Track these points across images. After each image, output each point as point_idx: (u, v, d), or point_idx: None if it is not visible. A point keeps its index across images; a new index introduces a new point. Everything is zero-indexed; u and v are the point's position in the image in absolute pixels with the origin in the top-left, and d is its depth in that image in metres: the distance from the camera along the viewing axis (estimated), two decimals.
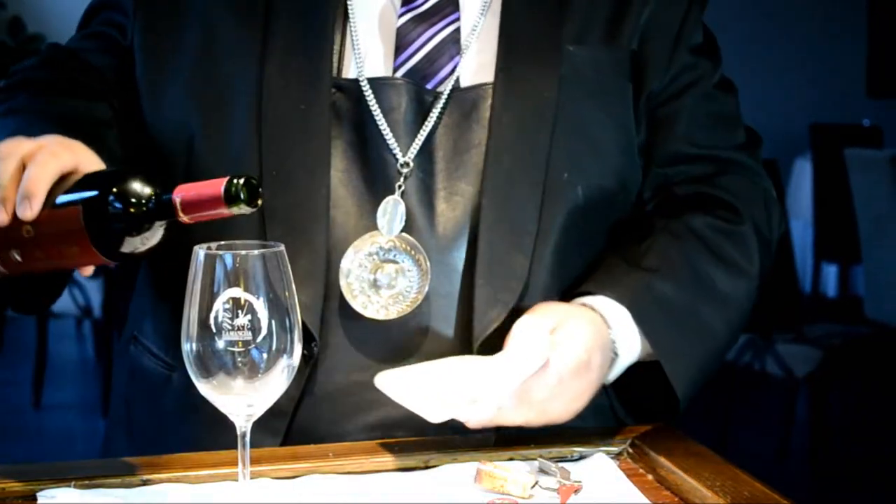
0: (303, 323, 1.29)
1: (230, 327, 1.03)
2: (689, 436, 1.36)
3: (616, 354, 1.36)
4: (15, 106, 1.37)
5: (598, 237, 1.45)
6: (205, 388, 1.06)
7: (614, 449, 1.32)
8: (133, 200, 1.12)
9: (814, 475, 4.26)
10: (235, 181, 1.07)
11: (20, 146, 1.17)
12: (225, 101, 1.36)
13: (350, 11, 1.38)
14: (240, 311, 1.03)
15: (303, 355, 1.33)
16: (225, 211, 1.08)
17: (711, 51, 1.53)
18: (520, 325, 1.29)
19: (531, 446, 1.30)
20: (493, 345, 1.35)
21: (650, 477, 1.26)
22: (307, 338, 1.31)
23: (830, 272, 6.97)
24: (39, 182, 1.14)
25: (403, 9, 1.38)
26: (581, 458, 1.30)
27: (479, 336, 1.35)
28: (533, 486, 1.18)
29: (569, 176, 1.37)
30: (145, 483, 1.19)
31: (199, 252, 1.04)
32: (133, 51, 1.43)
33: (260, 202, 1.08)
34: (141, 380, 1.48)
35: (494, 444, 1.30)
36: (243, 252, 1.04)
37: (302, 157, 1.33)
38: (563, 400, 1.29)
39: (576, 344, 1.30)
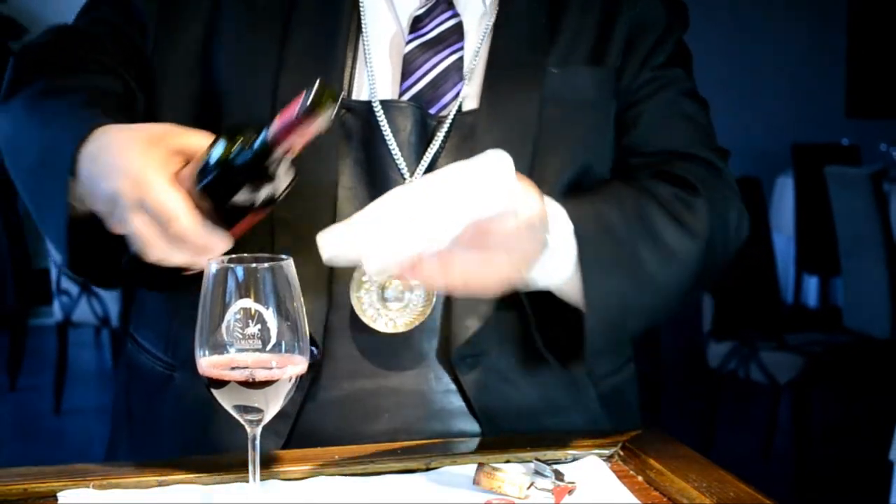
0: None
1: (241, 336, 1.04)
2: (678, 439, 1.36)
3: (546, 245, 1.25)
4: (43, 87, 1.34)
5: None
6: (217, 393, 1.06)
7: (606, 451, 1.32)
8: (248, 162, 1.11)
9: (795, 477, 4.25)
10: (316, 87, 1.08)
11: (120, 189, 1.14)
12: (238, 115, 1.36)
13: (364, 35, 1.38)
14: (250, 321, 1.03)
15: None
16: (312, 124, 1.08)
17: (684, 62, 1.49)
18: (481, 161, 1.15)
19: (527, 449, 1.29)
20: (471, 345, 1.35)
21: (640, 478, 1.26)
22: (311, 345, 1.31)
23: (811, 283, 6.98)
24: (185, 225, 1.12)
25: (411, 36, 1.38)
26: (574, 460, 1.30)
27: (458, 342, 1.35)
28: (529, 487, 1.18)
29: (549, 190, 1.31)
30: (160, 484, 1.19)
31: (212, 265, 1.04)
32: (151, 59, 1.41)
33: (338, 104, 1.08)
34: (138, 377, 1.47)
35: (492, 447, 1.30)
36: (254, 265, 1.04)
37: (311, 172, 1.33)
38: (509, 256, 1.19)
39: (534, 200, 1.20)
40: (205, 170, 1.12)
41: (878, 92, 8.32)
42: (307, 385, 1.34)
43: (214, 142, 1.13)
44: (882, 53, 8.31)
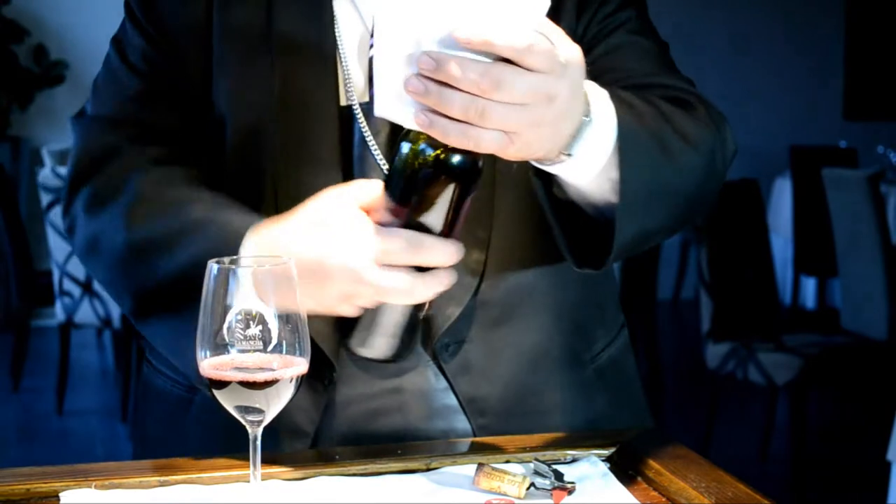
0: (321, 350, 1.29)
1: (242, 337, 1.04)
2: (676, 439, 1.36)
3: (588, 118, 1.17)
4: (142, 192, 1.34)
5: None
6: (218, 394, 1.06)
7: (605, 452, 1.32)
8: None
9: (793, 477, 4.25)
10: None
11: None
12: (243, 131, 1.36)
13: (339, 42, 1.38)
14: (251, 322, 1.03)
15: (322, 383, 1.33)
16: None
17: (636, 5, 1.44)
18: None
19: (527, 449, 1.29)
20: (452, 332, 1.35)
21: (639, 478, 1.26)
22: (327, 365, 1.31)
23: (809, 285, 6.99)
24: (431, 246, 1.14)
25: (373, 40, 1.38)
26: (574, 460, 1.30)
27: (438, 332, 1.35)
28: (528, 488, 1.18)
29: (517, 164, 1.26)
30: (162, 485, 1.19)
31: (213, 266, 1.04)
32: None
33: None
34: (154, 400, 1.47)
35: (492, 447, 1.30)
36: (255, 266, 1.04)
37: (313, 184, 1.32)
38: (553, 113, 1.10)
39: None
40: (393, 185, 1.15)
41: (876, 95, 8.33)
42: (323, 405, 1.34)
43: (395, 158, 1.14)
44: (880, 56, 8.32)
